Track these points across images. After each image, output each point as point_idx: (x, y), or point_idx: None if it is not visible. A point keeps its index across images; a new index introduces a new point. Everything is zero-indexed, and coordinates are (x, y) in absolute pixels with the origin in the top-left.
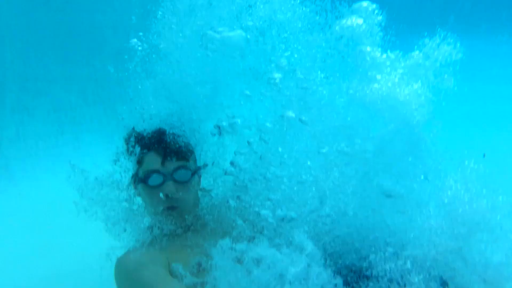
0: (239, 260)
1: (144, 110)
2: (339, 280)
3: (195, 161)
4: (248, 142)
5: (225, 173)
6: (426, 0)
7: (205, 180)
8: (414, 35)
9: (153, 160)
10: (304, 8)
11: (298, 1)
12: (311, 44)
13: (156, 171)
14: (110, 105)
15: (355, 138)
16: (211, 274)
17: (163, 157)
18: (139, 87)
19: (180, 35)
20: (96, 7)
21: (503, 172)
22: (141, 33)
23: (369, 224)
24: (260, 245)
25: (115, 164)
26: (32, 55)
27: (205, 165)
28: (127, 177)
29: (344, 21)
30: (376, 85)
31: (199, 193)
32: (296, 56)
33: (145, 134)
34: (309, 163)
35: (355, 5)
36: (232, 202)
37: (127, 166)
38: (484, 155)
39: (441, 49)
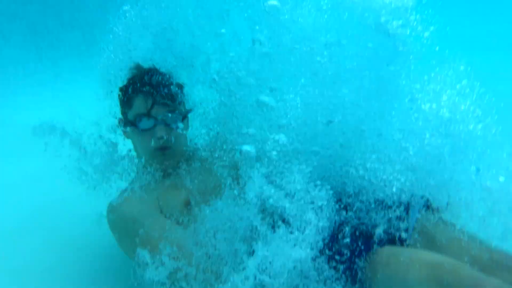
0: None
1: (129, 41)
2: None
3: (184, 103)
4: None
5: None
6: None
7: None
8: None
9: (143, 104)
10: None
11: None
12: None
13: (147, 115)
14: (88, 30)
15: None
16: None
17: (153, 101)
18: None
19: None
20: None
21: None
22: None
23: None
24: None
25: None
26: None
27: (194, 107)
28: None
29: None
30: None
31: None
32: None
33: (134, 74)
34: None
35: None
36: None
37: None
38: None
39: None
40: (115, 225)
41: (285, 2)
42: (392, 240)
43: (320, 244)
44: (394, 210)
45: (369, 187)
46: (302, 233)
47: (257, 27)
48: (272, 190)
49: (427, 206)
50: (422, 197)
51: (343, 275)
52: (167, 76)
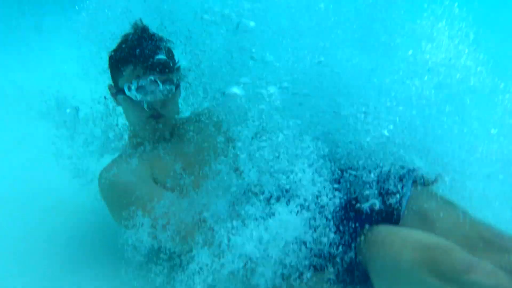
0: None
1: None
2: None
3: (178, 71)
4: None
5: None
6: None
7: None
8: None
9: (134, 72)
10: None
11: None
12: None
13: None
14: None
15: None
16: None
17: (145, 68)
18: None
19: None
20: None
21: None
22: None
23: None
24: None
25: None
26: None
27: (188, 70)
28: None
29: None
30: None
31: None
32: None
33: (125, 39)
34: None
35: None
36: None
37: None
38: None
39: None
40: (106, 192)
41: None
42: (385, 216)
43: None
44: (384, 182)
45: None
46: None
47: None
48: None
49: (419, 180)
50: (413, 170)
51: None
52: (159, 41)
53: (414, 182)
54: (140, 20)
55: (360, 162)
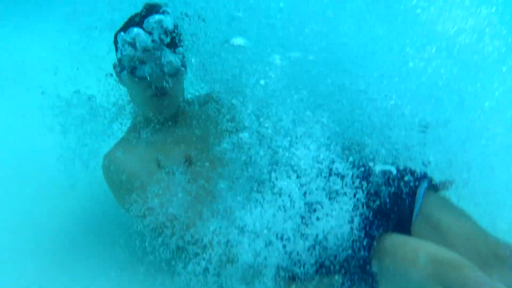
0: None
1: None
2: None
3: (183, 49)
4: None
5: None
6: None
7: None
8: None
9: (140, 49)
10: None
11: None
12: None
13: (144, 62)
14: None
15: None
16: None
17: (151, 46)
18: None
19: None
20: None
21: None
22: None
23: None
24: None
25: None
26: None
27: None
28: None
29: None
30: None
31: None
32: None
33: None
34: None
35: None
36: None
37: None
38: None
39: None
40: (110, 177)
41: None
42: (397, 220)
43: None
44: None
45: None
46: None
47: None
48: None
49: (432, 185)
50: (425, 174)
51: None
52: (167, 19)
53: (427, 187)
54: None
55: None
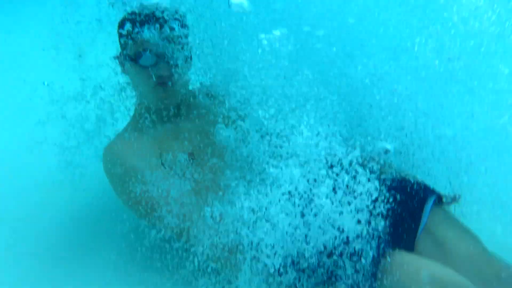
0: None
1: None
2: None
3: (188, 40)
4: None
5: None
6: None
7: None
8: None
9: (145, 38)
10: None
11: None
12: None
13: (148, 50)
14: None
15: None
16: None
17: (157, 35)
18: None
19: None
20: None
21: None
22: None
23: None
24: None
25: None
26: None
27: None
28: None
29: None
30: None
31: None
32: None
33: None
34: None
35: None
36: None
37: None
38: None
39: None
40: (110, 170)
41: None
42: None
43: None
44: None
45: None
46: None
47: None
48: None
49: (438, 200)
50: (433, 190)
51: None
52: (173, 8)
53: (434, 202)
54: None
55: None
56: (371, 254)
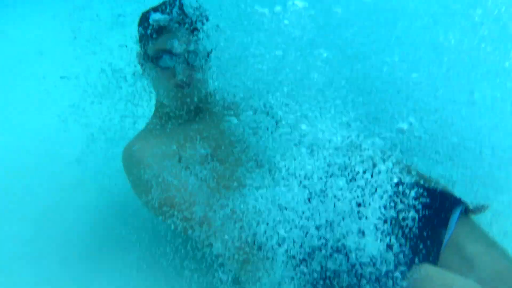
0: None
1: None
2: None
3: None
4: None
5: None
6: None
7: None
8: None
9: (166, 39)
10: None
11: None
12: None
13: (169, 52)
14: None
15: None
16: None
17: (179, 37)
18: None
19: None
20: None
21: None
22: None
23: None
24: None
25: None
26: None
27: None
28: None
29: None
30: None
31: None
32: None
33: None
34: None
35: None
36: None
37: None
38: None
39: None
40: (130, 170)
41: None
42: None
43: None
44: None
45: None
46: None
47: None
48: None
49: (465, 210)
50: (459, 199)
51: None
52: (195, 9)
53: (460, 213)
54: None
55: None
56: (396, 267)
